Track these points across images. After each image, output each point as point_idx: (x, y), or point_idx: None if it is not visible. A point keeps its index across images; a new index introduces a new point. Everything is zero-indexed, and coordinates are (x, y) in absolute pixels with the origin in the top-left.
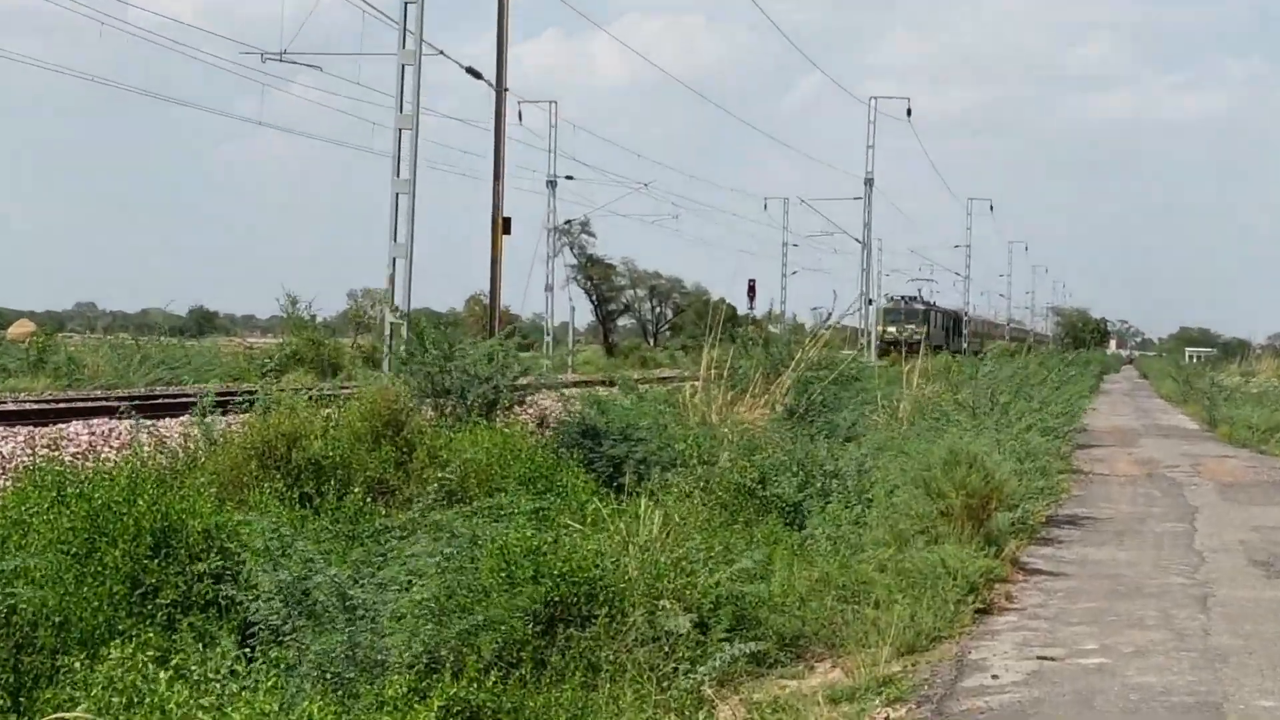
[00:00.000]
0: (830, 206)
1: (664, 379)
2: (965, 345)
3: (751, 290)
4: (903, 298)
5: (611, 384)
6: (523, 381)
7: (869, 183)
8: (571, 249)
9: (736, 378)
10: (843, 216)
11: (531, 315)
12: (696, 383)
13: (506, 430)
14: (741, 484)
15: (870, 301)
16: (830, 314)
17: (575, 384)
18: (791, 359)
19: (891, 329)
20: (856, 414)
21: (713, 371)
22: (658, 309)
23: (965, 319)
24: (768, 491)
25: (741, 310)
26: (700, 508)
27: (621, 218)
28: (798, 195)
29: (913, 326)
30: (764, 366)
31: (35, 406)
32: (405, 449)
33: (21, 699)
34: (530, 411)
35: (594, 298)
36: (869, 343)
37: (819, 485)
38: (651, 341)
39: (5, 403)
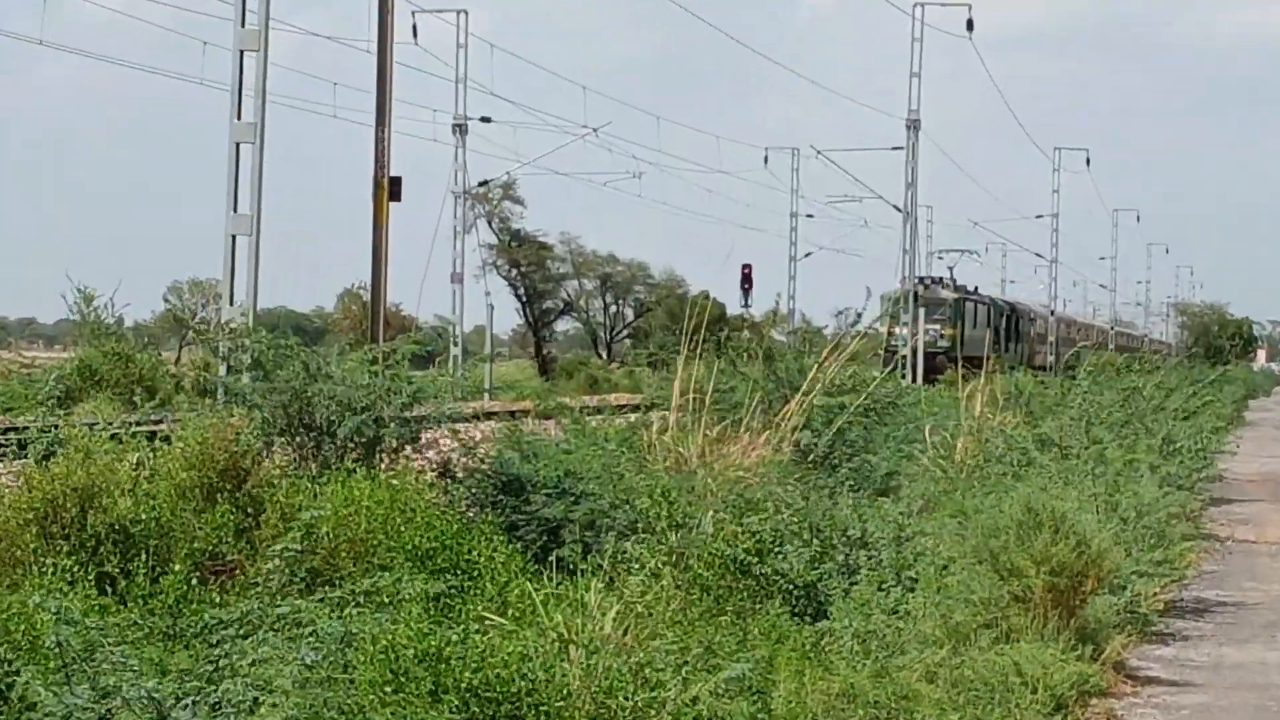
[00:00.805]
0: (858, 161)
1: (621, 407)
2: (1029, 352)
3: (747, 280)
4: (921, 280)
5: (547, 415)
6: (416, 413)
7: (913, 126)
8: (490, 222)
9: (726, 406)
10: (876, 175)
11: (432, 317)
12: (668, 413)
13: (394, 482)
14: (732, 557)
15: (916, 296)
16: (860, 315)
17: (494, 415)
18: (804, 378)
19: (902, 330)
20: (896, 456)
21: (692, 397)
22: (613, 307)
23: (1031, 316)
24: (769, 567)
25: (733, 309)
26: (672, 592)
27: (561, 178)
28: (811, 145)
29: (937, 327)
30: (765, 390)
31: None
32: (250, 509)
33: None
34: (429, 455)
35: (522, 292)
36: (910, 355)
37: (841, 559)
38: (604, 354)
39: None
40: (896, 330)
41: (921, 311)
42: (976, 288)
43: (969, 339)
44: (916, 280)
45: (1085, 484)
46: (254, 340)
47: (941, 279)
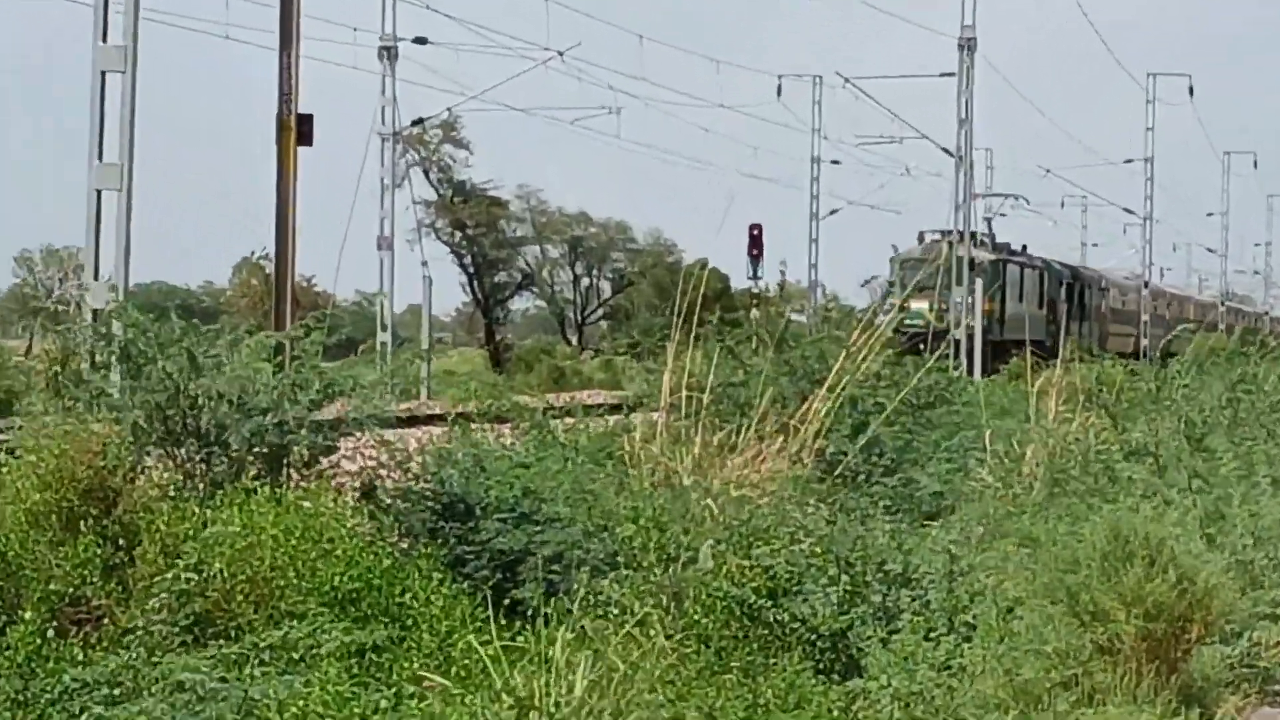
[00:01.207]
0: (898, 91)
1: (596, 407)
2: (1100, 333)
3: (755, 244)
4: (943, 234)
5: (500, 419)
6: (332, 415)
7: (968, 47)
8: (427, 172)
9: (730, 406)
10: (920, 109)
11: (354, 295)
12: (656, 415)
13: (305, 504)
14: (738, 599)
15: (972, 264)
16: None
17: (433, 419)
18: (828, 369)
19: (918, 304)
20: (947, 470)
21: (686, 395)
22: (585, 280)
23: (1103, 286)
24: (785, 612)
25: (739, 281)
26: (662, 644)
27: (517, 115)
28: (838, 72)
29: (970, 298)
30: (779, 385)
31: None
32: (121, 541)
33: None
34: (350, 469)
35: (468, 260)
36: (966, 338)
37: (878, 600)
38: (574, 339)
39: None
40: (913, 305)
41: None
42: (1025, 247)
43: (1012, 314)
44: (940, 235)
45: (1188, 504)
46: (124, 323)
47: (975, 235)
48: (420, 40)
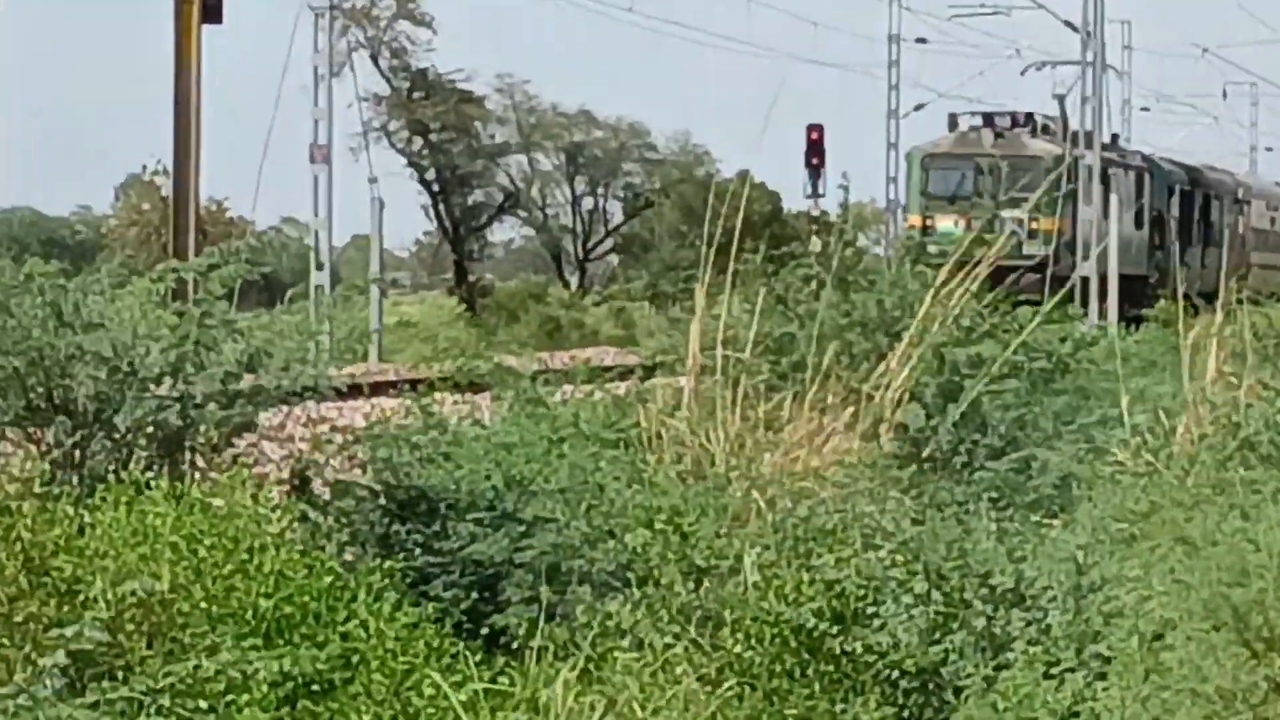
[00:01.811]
0: None
1: (605, 370)
2: (1229, 266)
3: (815, 150)
4: (988, 118)
5: (476, 385)
6: (250, 384)
7: None
8: (375, 58)
9: (780, 368)
10: None
11: (281, 223)
12: (683, 379)
13: (216, 502)
14: (794, 625)
15: (1105, 171)
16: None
17: (387, 388)
18: (909, 317)
19: (946, 222)
20: (1074, 449)
21: (723, 353)
22: (588, 199)
23: (1238, 196)
24: (857, 641)
25: (793, 202)
26: (692, 686)
27: None
28: None
29: (1017, 212)
30: (846, 337)
31: None
32: None
33: None
34: (274, 456)
35: (432, 176)
36: (1093, 271)
37: (981, 625)
38: (575, 280)
39: None
40: (940, 222)
41: (981, 176)
42: (1116, 137)
43: (1103, 234)
44: (983, 119)
45: None
46: None
47: (1031, 116)
48: None
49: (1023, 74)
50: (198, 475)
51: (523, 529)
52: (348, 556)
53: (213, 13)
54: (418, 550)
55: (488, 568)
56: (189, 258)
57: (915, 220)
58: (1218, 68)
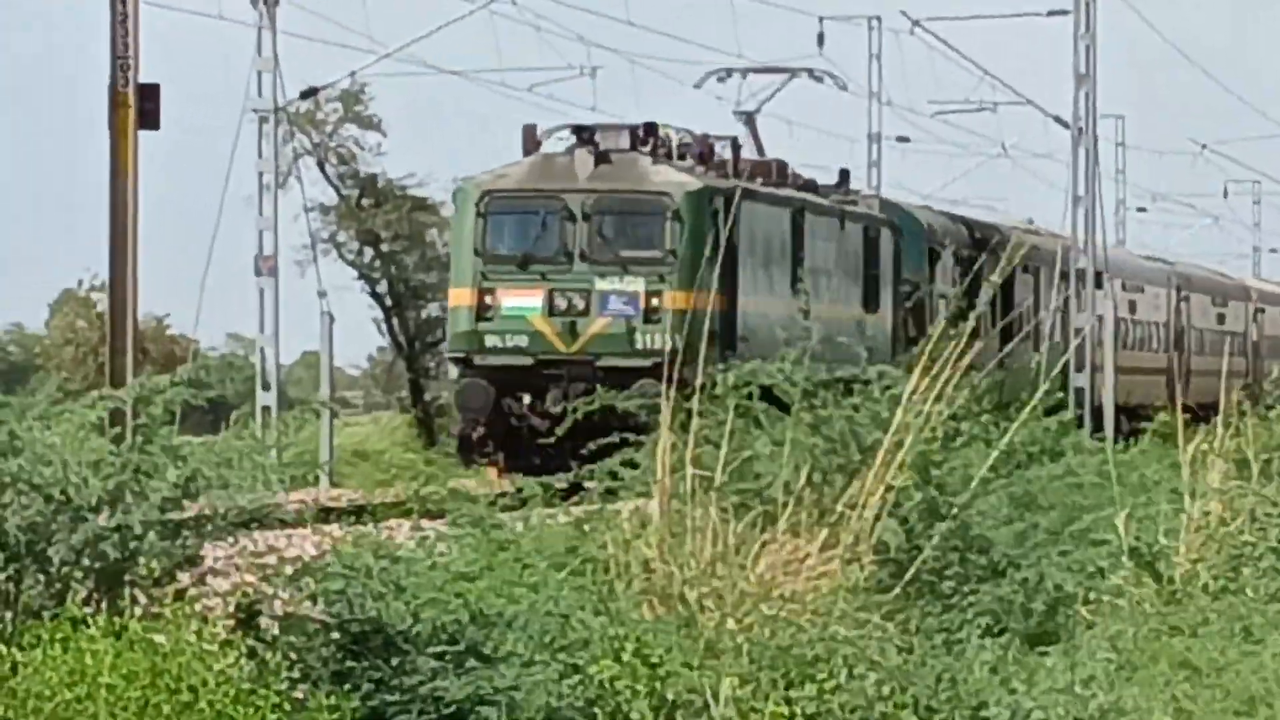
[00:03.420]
0: (990, 39)
1: (567, 494)
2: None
3: None
4: (585, 133)
5: (431, 513)
6: (193, 513)
7: None
8: (323, 165)
9: (752, 487)
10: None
11: (225, 341)
12: (650, 500)
13: (158, 639)
14: None
15: (1099, 276)
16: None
17: (337, 514)
18: (882, 431)
19: (517, 294)
20: (1067, 570)
21: (691, 473)
22: None
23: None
24: None
25: None
26: None
27: (450, 79)
28: (902, 11)
29: (660, 271)
30: (814, 456)
31: None
32: None
33: None
34: (219, 588)
35: (384, 288)
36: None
37: None
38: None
39: None
40: (507, 299)
41: (619, 232)
42: (846, 173)
43: (751, 321)
44: (579, 139)
45: None
46: None
47: (653, 130)
48: None
49: (697, 86)
50: (138, 610)
51: (483, 663)
52: (299, 694)
53: (149, 117)
54: (373, 687)
55: (449, 706)
56: (127, 379)
57: (464, 295)
58: (1218, 165)
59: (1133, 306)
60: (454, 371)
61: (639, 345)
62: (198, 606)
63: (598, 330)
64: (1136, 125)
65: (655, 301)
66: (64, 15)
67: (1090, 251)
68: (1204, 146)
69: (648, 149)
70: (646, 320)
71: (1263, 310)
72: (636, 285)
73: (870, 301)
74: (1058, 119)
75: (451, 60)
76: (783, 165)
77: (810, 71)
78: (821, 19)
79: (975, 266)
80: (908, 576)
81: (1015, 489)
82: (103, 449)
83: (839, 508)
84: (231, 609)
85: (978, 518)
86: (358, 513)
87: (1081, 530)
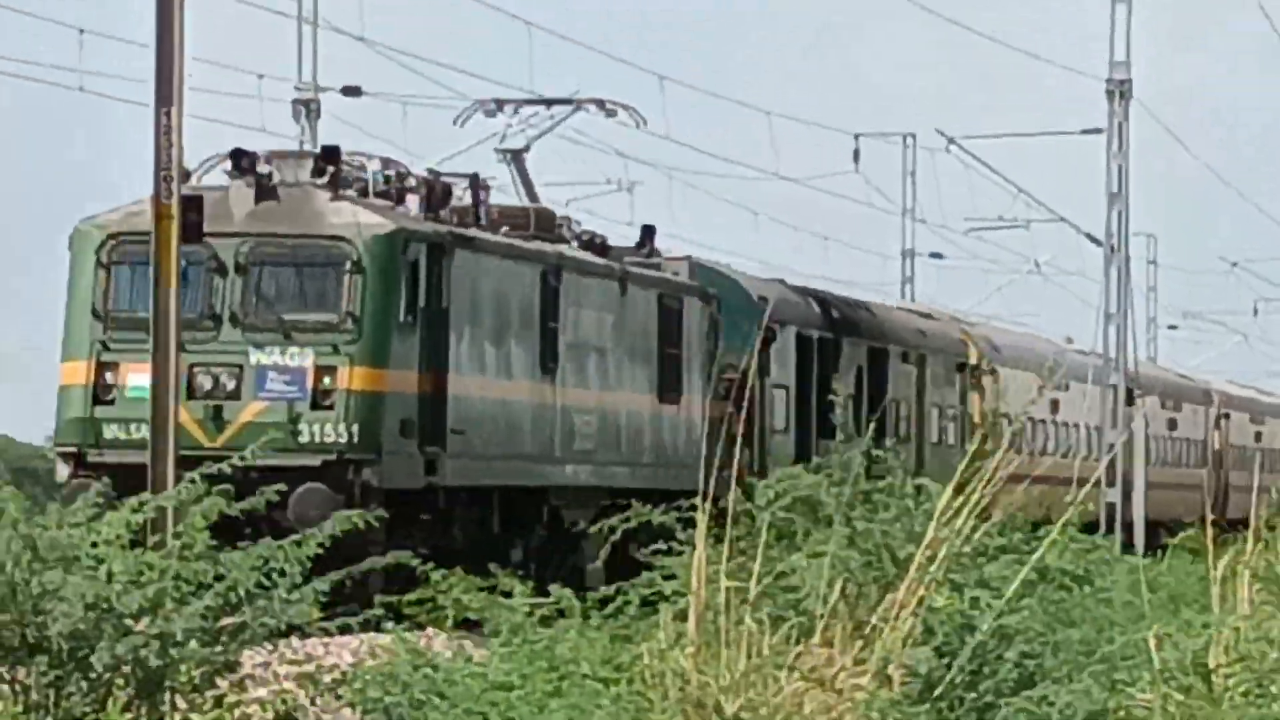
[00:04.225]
0: (1023, 156)
1: (604, 602)
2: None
3: None
4: (243, 159)
5: (456, 621)
6: (231, 623)
7: (1120, 94)
8: None
9: (786, 600)
10: (1053, 182)
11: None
12: (685, 614)
13: None
14: None
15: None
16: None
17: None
18: (915, 546)
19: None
20: (1097, 687)
21: (725, 586)
22: None
23: (977, 357)
24: None
25: None
26: None
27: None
28: (939, 130)
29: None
30: (849, 571)
31: None
32: None
33: None
34: (260, 693)
35: None
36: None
37: None
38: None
39: None
40: (124, 376)
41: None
42: (651, 231)
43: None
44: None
45: None
46: None
47: (333, 155)
48: (351, 91)
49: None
50: (178, 717)
51: None
52: None
53: (192, 229)
54: None
55: None
56: (167, 486)
57: (77, 371)
58: (1247, 283)
59: (1172, 424)
60: (63, 470)
61: (305, 438)
62: (236, 713)
63: (251, 418)
64: (1168, 243)
65: (328, 380)
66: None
67: (1121, 367)
68: (1234, 264)
69: (324, 181)
70: (316, 405)
71: None
72: (304, 358)
73: (668, 389)
74: (1090, 236)
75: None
76: (549, 215)
77: (601, 103)
78: (857, 136)
79: (835, 357)
80: (937, 692)
81: (1047, 604)
82: (144, 558)
83: (873, 620)
84: (270, 717)
85: (1010, 632)
86: (398, 619)
87: (1112, 649)
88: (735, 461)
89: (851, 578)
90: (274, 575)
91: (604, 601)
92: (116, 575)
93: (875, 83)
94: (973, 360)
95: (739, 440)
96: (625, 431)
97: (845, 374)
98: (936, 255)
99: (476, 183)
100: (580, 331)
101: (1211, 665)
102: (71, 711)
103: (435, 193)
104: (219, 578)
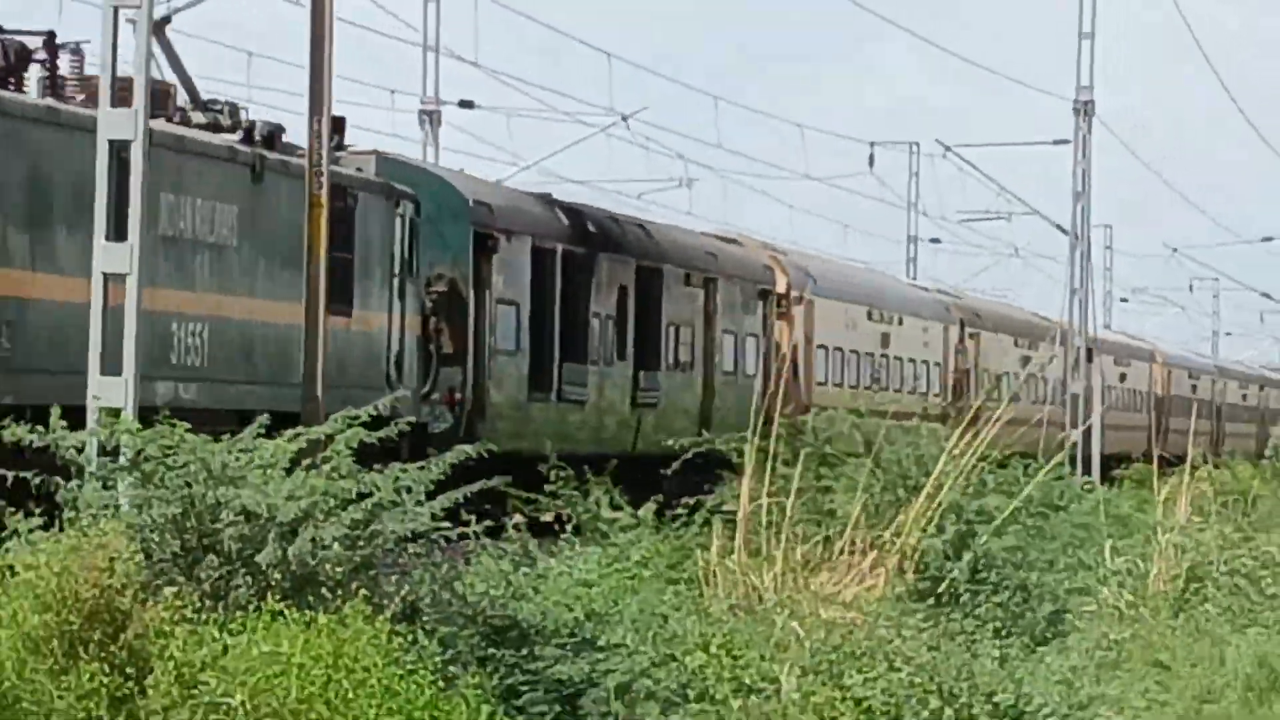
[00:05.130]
0: (1003, 161)
1: (673, 516)
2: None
3: None
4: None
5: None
6: (376, 528)
7: (1084, 111)
8: None
9: (816, 515)
10: (1031, 182)
11: None
12: (733, 526)
13: (340, 628)
14: None
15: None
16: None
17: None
18: (925, 475)
19: None
20: (1064, 587)
21: (766, 500)
22: None
23: (783, 281)
24: None
25: None
26: None
27: (576, 187)
28: (937, 139)
29: None
30: (871, 492)
31: None
32: (131, 670)
33: None
34: (388, 589)
35: None
36: (1081, 439)
37: None
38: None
39: None
40: None
41: None
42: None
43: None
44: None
45: None
46: (127, 432)
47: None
48: (466, 104)
49: None
50: (325, 605)
51: (599, 654)
52: (450, 674)
53: None
54: (508, 670)
55: (569, 686)
56: (320, 416)
57: None
58: (1185, 265)
59: (1123, 377)
60: None
61: None
62: (370, 604)
63: None
64: (1121, 232)
65: None
66: None
67: (1084, 332)
68: (1175, 250)
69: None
70: None
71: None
72: None
73: (340, 298)
74: (1059, 227)
75: (577, 170)
76: (163, 90)
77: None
78: (872, 144)
79: (592, 274)
80: (939, 590)
81: (1027, 525)
82: (298, 479)
83: (888, 534)
84: (398, 602)
85: (997, 550)
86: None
87: (1076, 558)
88: (432, 379)
89: (872, 499)
90: (401, 491)
91: (673, 517)
92: (278, 491)
93: (887, 101)
94: (779, 289)
95: (436, 357)
96: (257, 345)
97: (603, 294)
98: (935, 241)
99: (53, 44)
100: (185, 224)
101: (1154, 572)
102: (238, 601)
103: None
104: (361, 495)
